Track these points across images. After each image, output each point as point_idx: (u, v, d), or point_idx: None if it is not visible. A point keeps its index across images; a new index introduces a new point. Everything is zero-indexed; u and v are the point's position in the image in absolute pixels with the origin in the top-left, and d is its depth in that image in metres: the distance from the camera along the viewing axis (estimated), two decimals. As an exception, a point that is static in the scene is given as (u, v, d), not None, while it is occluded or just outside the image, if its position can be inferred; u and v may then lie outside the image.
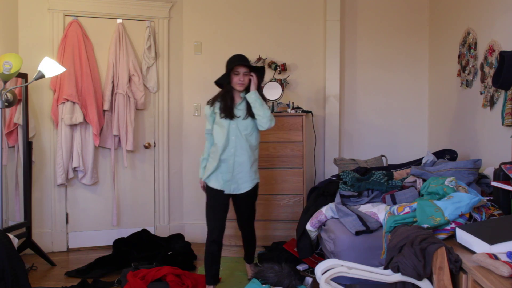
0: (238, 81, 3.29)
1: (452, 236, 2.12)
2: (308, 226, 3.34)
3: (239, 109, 3.34)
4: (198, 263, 4.07)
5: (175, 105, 4.84)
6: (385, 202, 3.12)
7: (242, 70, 3.28)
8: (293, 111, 4.31)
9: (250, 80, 3.32)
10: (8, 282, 2.85)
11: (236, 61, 3.29)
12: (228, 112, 3.29)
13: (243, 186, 3.37)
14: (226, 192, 3.35)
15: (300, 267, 3.70)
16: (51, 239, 4.50)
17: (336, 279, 2.20)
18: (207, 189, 3.42)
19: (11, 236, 3.23)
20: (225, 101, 3.32)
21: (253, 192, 3.47)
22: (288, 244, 3.93)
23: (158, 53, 4.75)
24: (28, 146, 4.18)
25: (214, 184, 3.36)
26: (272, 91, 4.44)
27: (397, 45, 4.77)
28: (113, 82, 4.54)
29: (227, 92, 3.34)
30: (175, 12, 4.82)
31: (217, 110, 3.36)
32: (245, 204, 3.50)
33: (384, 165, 4.13)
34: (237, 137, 3.31)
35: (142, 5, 4.68)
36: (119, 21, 4.61)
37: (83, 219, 4.62)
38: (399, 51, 4.77)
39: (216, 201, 3.38)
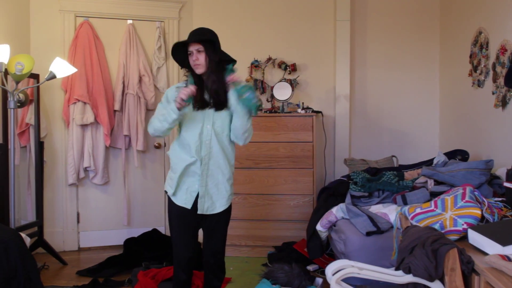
0: (192, 62, 2.59)
1: (464, 237, 2.10)
2: (318, 227, 3.33)
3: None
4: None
5: (185, 105, 4.85)
6: (396, 203, 3.11)
7: (193, 48, 2.56)
8: (303, 111, 4.30)
9: (208, 58, 2.56)
10: (20, 280, 2.87)
11: (178, 43, 2.62)
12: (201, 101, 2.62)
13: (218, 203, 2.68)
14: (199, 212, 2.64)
15: (310, 268, 3.70)
16: (63, 238, 4.53)
17: (347, 280, 2.19)
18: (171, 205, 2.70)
19: (23, 235, 3.25)
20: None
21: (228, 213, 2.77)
22: (298, 245, 3.93)
23: (168, 54, 4.76)
24: (40, 146, 4.22)
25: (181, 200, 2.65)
26: (282, 91, 4.44)
27: (408, 44, 4.75)
28: (123, 82, 4.56)
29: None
30: (185, 13, 4.83)
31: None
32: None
33: (395, 166, 4.11)
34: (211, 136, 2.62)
35: (152, 5, 4.69)
36: (130, 21, 4.63)
37: (94, 218, 4.65)
38: (410, 51, 4.75)
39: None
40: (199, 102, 2.57)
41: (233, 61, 2.64)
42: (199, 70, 2.57)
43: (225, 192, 2.66)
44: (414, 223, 2.40)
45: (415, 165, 3.76)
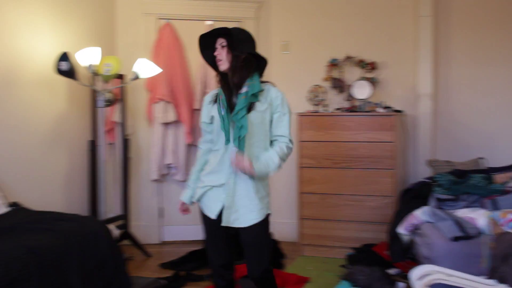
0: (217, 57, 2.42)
1: None
2: (401, 229, 3.24)
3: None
4: (285, 261, 4.08)
5: (263, 104, 4.89)
6: (484, 207, 2.97)
7: (218, 43, 2.41)
8: (383, 110, 4.20)
9: (231, 53, 2.36)
10: (109, 270, 3.03)
11: (203, 35, 2.46)
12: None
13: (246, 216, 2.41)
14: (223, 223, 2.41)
15: (391, 271, 3.60)
16: (147, 231, 4.71)
17: (433, 286, 2.12)
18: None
19: (112, 227, 3.44)
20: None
21: (265, 226, 2.44)
22: (378, 247, 3.85)
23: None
24: (126, 143, 4.43)
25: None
26: (361, 90, 4.36)
27: (498, 39, 4.45)
28: (203, 82, 4.67)
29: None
30: (262, 12, 4.87)
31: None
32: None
33: (483, 168, 3.90)
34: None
35: (230, 6, 4.78)
36: (209, 22, 4.73)
37: (177, 213, 4.75)
38: (500, 45, 4.45)
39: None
40: (226, 105, 2.36)
41: (265, 60, 2.45)
42: (222, 67, 2.38)
43: (253, 206, 2.36)
44: (508, 230, 2.28)
45: (506, 167, 3.55)
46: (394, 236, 3.32)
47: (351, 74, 4.61)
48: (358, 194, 4.13)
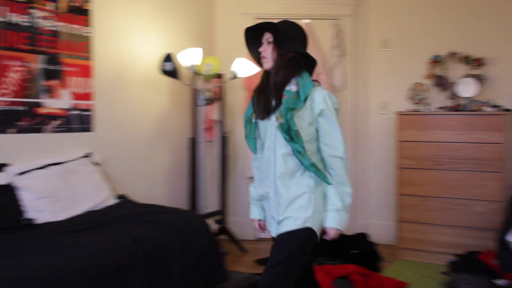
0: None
1: None
2: (511, 238, 3.02)
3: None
4: (383, 265, 3.95)
5: (360, 103, 4.80)
6: None
7: (264, 38, 2.15)
8: (491, 109, 3.93)
9: (276, 51, 2.10)
10: (208, 263, 3.13)
11: (248, 28, 2.18)
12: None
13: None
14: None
15: (499, 282, 3.35)
16: (243, 227, 4.79)
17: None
18: None
19: (210, 221, 3.54)
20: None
21: (293, 238, 2.10)
22: (484, 255, 3.60)
23: (344, 51, 4.75)
24: (224, 141, 4.55)
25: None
26: (466, 88, 4.12)
27: None
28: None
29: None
30: (360, 9, 4.78)
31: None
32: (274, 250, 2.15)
33: None
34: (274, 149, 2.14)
35: (327, 4, 4.75)
36: (306, 21, 4.71)
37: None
38: None
39: None
40: (263, 109, 2.12)
41: (314, 60, 2.19)
42: (265, 65, 2.12)
43: (286, 215, 2.12)
44: None
45: None
46: (504, 245, 3.09)
47: (455, 71, 4.36)
48: (462, 198, 3.90)
